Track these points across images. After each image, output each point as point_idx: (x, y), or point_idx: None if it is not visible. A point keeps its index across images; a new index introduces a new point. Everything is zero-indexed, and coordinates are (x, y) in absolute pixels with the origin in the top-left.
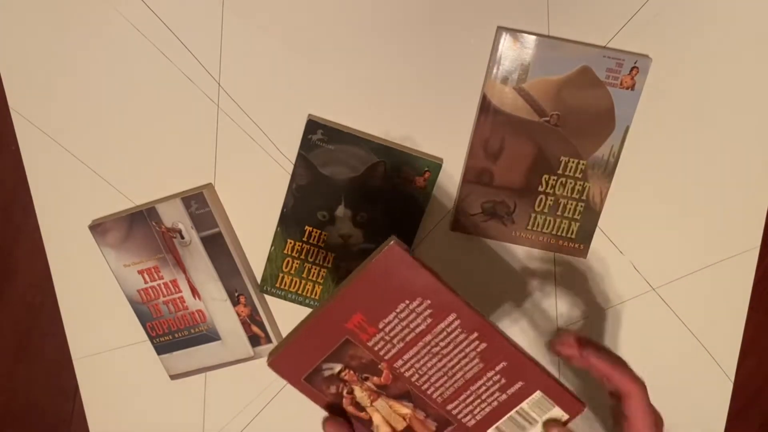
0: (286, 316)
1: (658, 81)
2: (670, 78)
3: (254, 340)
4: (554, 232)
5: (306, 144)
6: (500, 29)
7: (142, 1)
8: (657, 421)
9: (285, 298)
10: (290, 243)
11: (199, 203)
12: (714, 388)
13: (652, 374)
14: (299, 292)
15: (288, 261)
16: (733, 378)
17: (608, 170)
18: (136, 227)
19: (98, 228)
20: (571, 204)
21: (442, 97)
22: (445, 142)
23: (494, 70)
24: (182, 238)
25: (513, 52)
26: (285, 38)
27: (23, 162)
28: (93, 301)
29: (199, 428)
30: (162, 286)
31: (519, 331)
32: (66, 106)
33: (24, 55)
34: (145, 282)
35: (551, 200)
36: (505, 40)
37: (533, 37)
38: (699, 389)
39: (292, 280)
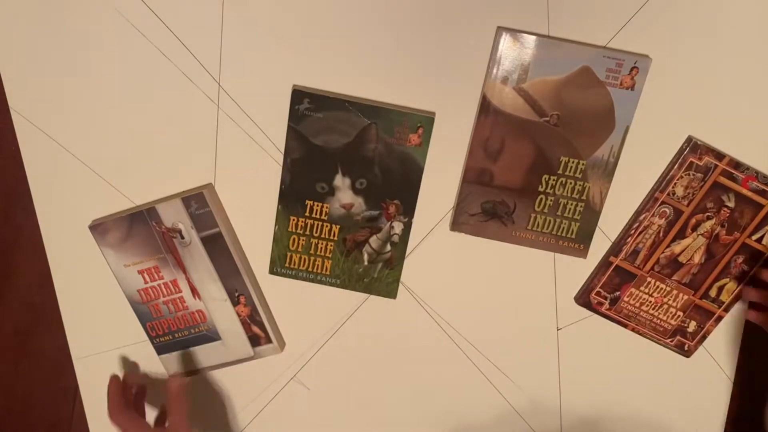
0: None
1: (658, 81)
2: (670, 78)
3: (254, 340)
4: (554, 232)
5: (294, 115)
6: (500, 29)
7: (142, 1)
8: None
9: (296, 277)
10: (293, 220)
11: (199, 203)
12: (714, 388)
13: (652, 374)
14: (309, 269)
15: (294, 239)
16: (733, 378)
17: (608, 170)
18: (136, 227)
19: (98, 228)
20: (571, 204)
21: (442, 96)
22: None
23: (494, 70)
24: (182, 238)
25: (513, 52)
26: (285, 38)
27: (23, 162)
28: (93, 301)
29: (200, 428)
30: (162, 286)
31: (518, 331)
32: (66, 106)
33: (24, 55)
34: (145, 282)
35: (551, 200)
36: (505, 40)
37: (533, 37)
38: (699, 389)
39: (300, 257)
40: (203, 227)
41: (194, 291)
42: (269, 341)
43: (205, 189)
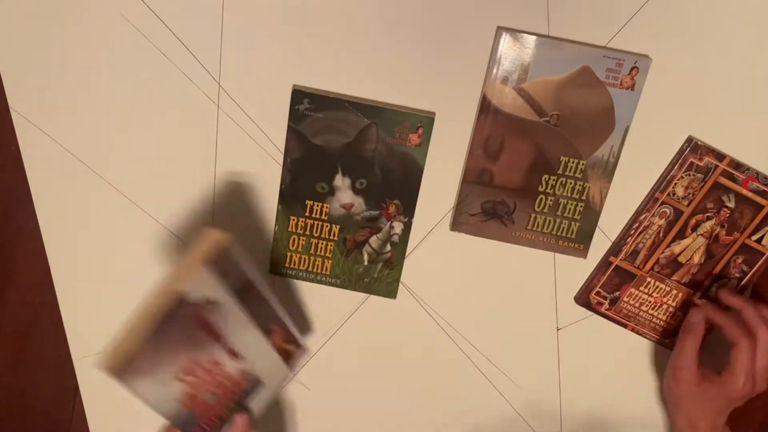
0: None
1: (658, 81)
2: (670, 78)
3: (287, 356)
4: (554, 232)
5: (294, 115)
6: (500, 29)
7: (142, 1)
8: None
9: (296, 277)
10: (293, 220)
11: (224, 259)
12: None
13: (652, 374)
14: (309, 269)
15: (294, 239)
16: None
17: (608, 170)
18: (164, 330)
19: (121, 365)
20: (571, 204)
21: (442, 96)
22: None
23: (494, 70)
24: (217, 303)
25: (513, 52)
26: (287, 39)
27: (23, 162)
28: (93, 301)
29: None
30: (203, 374)
31: (518, 331)
32: (66, 106)
33: (24, 55)
34: (187, 384)
35: (551, 200)
36: (505, 40)
37: (533, 37)
38: None
39: (300, 258)
40: (232, 283)
41: (232, 353)
42: (298, 345)
43: (222, 240)
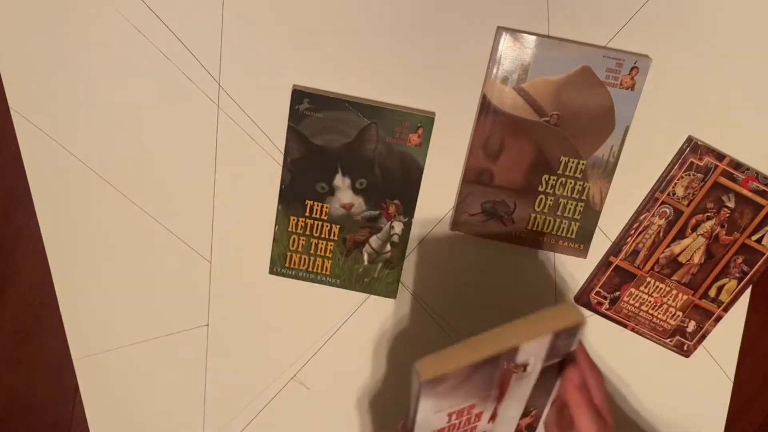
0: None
1: (658, 81)
2: (670, 78)
3: None
4: (554, 232)
5: (294, 115)
6: (500, 29)
7: (142, 1)
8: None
9: (296, 277)
10: (293, 220)
11: (569, 336)
12: (714, 388)
13: (652, 374)
14: (309, 269)
15: (294, 239)
16: (733, 378)
17: (608, 170)
18: (482, 372)
19: (433, 382)
20: (571, 204)
21: (442, 96)
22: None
23: (494, 70)
24: (524, 371)
25: (513, 52)
26: (286, 39)
27: (23, 162)
28: (93, 301)
29: (200, 428)
30: (464, 422)
31: None
32: (66, 106)
33: (24, 55)
34: (448, 421)
35: (551, 200)
36: (505, 40)
37: (533, 37)
38: (699, 389)
39: (300, 257)
40: (553, 356)
41: (493, 418)
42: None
43: (578, 321)
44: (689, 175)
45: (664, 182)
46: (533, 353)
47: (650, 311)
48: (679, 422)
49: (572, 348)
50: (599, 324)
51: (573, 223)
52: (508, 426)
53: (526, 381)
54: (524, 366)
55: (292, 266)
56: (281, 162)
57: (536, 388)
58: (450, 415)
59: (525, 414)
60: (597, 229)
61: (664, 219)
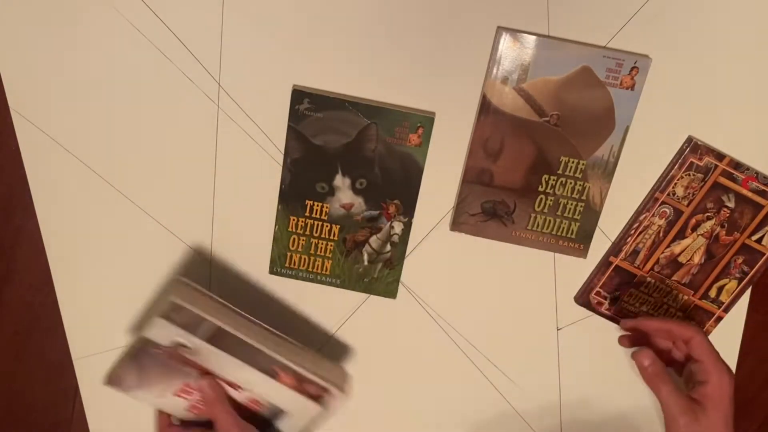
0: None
1: (658, 81)
2: (670, 78)
3: (316, 398)
4: (554, 232)
5: (294, 115)
6: (500, 29)
7: (142, 1)
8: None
9: (296, 277)
10: (293, 220)
11: (177, 311)
12: None
13: None
14: (309, 269)
15: (294, 239)
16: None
17: (608, 170)
18: (144, 361)
19: (114, 380)
20: (571, 204)
21: (442, 96)
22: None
23: (494, 70)
24: (188, 348)
25: (513, 52)
26: (286, 39)
27: (23, 162)
28: (93, 301)
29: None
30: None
31: (518, 331)
32: (66, 106)
33: (24, 55)
34: (188, 399)
35: (551, 200)
36: (505, 40)
37: (533, 37)
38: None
39: (300, 258)
40: (197, 328)
41: (233, 385)
42: (329, 392)
43: (173, 295)
44: (689, 175)
45: (664, 182)
46: (168, 335)
47: (650, 311)
48: None
49: (213, 320)
50: (599, 324)
51: (573, 223)
52: (270, 388)
53: (209, 354)
54: (180, 345)
55: (292, 266)
56: (281, 162)
57: (240, 355)
58: (178, 395)
59: (272, 375)
60: (597, 229)
61: (664, 219)
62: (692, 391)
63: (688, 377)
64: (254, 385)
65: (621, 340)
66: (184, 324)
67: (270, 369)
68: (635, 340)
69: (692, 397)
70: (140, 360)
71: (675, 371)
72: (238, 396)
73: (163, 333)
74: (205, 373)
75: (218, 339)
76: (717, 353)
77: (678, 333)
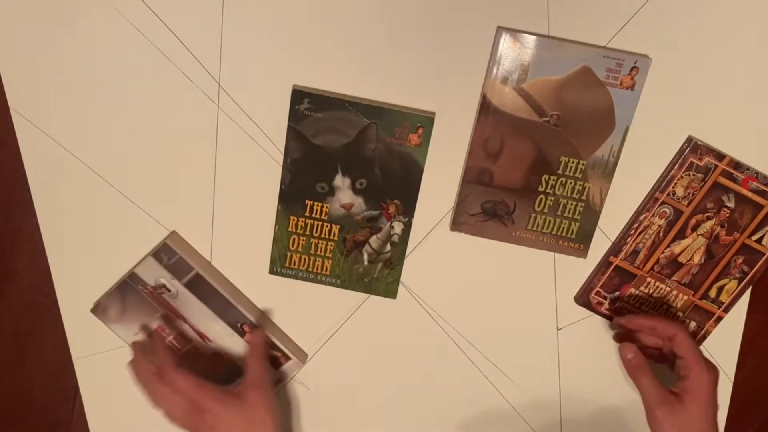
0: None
1: (658, 81)
2: (670, 78)
3: (275, 362)
4: (554, 232)
5: (294, 115)
6: (500, 29)
7: (142, 1)
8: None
9: (296, 277)
10: (293, 220)
11: (168, 254)
12: None
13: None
14: (309, 269)
15: (294, 239)
16: (733, 378)
17: (608, 170)
18: (129, 297)
19: (99, 309)
20: (571, 204)
21: (442, 96)
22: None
23: (494, 70)
24: (169, 291)
25: (513, 52)
26: (286, 39)
27: (23, 162)
28: (93, 301)
29: None
30: (173, 341)
31: (518, 330)
32: (66, 106)
33: (24, 55)
34: (167, 336)
35: (551, 200)
36: (505, 40)
37: (533, 37)
38: None
39: (300, 257)
40: (182, 274)
41: (202, 336)
42: (289, 358)
43: (168, 239)
44: (689, 175)
45: (664, 182)
46: (155, 274)
47: (650, 311)
48: None
49: (190, 264)
50: (599, 324)
51: (573, 223)
52: (236, 344)
53: (186, 300)
54: (162, 286)
55: (292, 266)
56: (281, 162)
57: (214, 306)
58: (156, 331)
59: (239, 332)
60: (597, 229)
61: (664, 219)
62: (673, 385)
63: (676, 373)
64: (221, 339)
65: (615, 338)
66: (170, 267)
67: (238, 327)
68: (629, 337)
69: (672, 390)
70: (125, 294)
71: (668, 367)
72: (204, 347)
73: (151, 272)
74: (180, 318)
75: (197, 287)
76: (698, 350)
77: (662, 330)
